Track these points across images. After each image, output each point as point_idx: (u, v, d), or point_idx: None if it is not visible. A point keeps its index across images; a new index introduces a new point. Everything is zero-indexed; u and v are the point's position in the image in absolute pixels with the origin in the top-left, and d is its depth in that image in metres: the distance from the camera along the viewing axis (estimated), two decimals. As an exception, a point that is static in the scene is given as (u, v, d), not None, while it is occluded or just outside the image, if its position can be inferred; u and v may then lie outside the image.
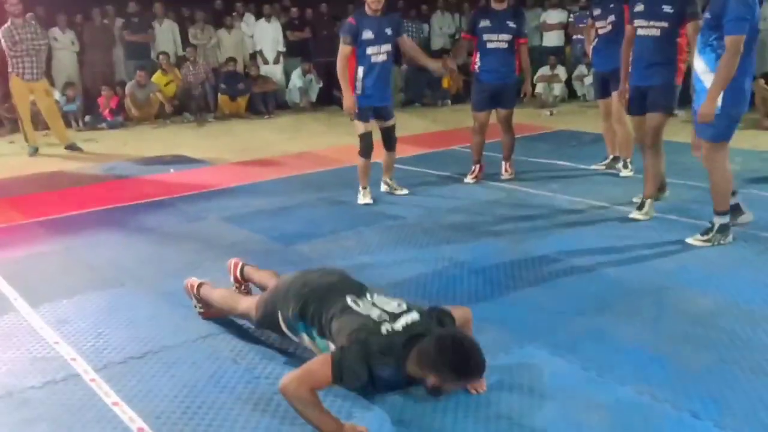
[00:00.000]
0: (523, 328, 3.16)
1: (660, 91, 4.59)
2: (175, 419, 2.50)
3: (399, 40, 5.24)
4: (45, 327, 3.30)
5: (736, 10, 3.76)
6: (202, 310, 3.32)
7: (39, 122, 8.73)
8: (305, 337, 2.77)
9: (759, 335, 3.05)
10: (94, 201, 5.73)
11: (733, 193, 4.37)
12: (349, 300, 2.65)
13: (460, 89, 11.60)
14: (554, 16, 11.80)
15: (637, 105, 4.77)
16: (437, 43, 12.88)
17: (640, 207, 4.79)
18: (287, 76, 11.71)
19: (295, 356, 2.94)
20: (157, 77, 10.59)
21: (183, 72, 10.78)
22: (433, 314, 2.64)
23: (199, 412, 2.55)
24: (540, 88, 11.23)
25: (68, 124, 9.44)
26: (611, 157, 6.34)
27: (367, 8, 5.07)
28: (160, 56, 10.72)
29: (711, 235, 4.20)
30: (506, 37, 5.76)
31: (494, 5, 5.79)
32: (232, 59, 10.97)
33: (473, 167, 6.09)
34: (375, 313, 2.57)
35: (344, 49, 5.08)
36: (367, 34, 5.04)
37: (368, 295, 2.71)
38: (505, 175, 6.13)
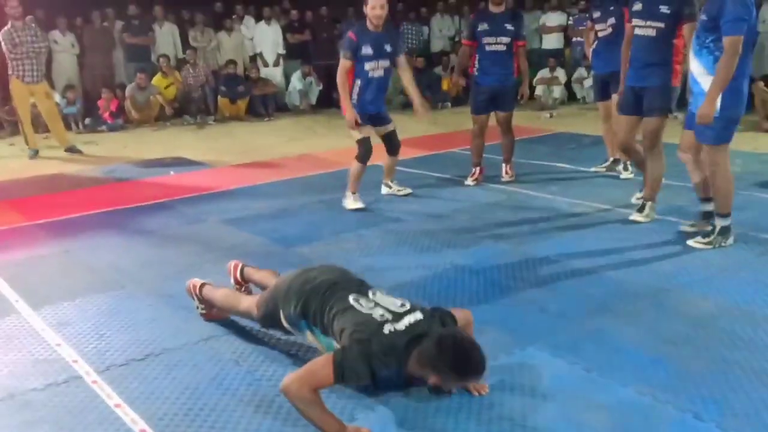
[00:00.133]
0: (524, 329, 3.17)
1: (656, 93, 4.57)
2: (177, 421, 2.50)
3: (396, 59, 5.21)
4: (46, 329, 3.30)
5: (734, 10, 3.76)
6: (204, 312, 3.32)
7: (39, 125, 8.74)
8: (308, 335, 2.78)
9: (760, 336, 3.05)
10: (95, 203, 5.73)
11: (708, 200, 4.36)
12: (351, 299, 2.65)
13: (460, 92, 11.58)
14: (553, 18, 11.84)
15: (629, 105, 4.73)
16: (437, 46, 12.92)
17: (641, 209, 4.79)
18: (287, 78, 11.72)
19: (297, 357, 2.94)
20: (157, 80, 10.60)
21: (183, 74, 10.79)
22: (436, 314, 2.64)
23: (201, 414, 2.55)
24: (539, 90, 11.26)
25: (68, 127, 9.45)
26: (611, 159, 6.35)
27: (368, 23, 5.07)
28: (161, 59, 10.74)
29: (712, 237, 4.20)
30: (505, 39, 5.78)
31: (492, 8, 5.80)
32: (232, 62, 10.98)
33: (473, 170, 6.10)
34: (378, 313, 2.57)
35: (344, 64, 5.09)
36: (367, 50, 5.05)
37: (370, 293, 2.71)
38: (505, 178, 6.14)
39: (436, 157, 7.38)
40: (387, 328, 2.49)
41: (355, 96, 5.16)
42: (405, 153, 6.64)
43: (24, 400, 2.68)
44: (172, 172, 6.98)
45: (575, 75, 11.50)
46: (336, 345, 2.58)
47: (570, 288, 3.67)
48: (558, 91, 11.44)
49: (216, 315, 3.31)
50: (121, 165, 7.51)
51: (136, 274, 4.05)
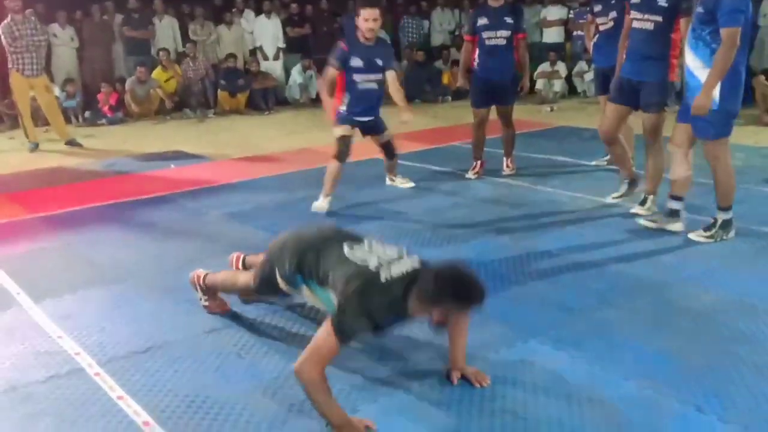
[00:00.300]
0: (526, 323, 3.17)
1: (653, 89, 4.55)
2: (180, 413, 2.51)
3: (386, 73, 5.10)
4: (48, 322, 3.30)
5: (732, 2, 3.75)
6: (207, 303, 3.32)
7: (39, 118, 8.70)
8: (305, 290, 2.76)
9: (762, 330, 3.05)
10: (95, 197, 5.72)
11: (680, 198, 4.35)
12: (345, 248, 2.62)
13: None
14: (554, 12, 11.80)
15: (621, 94, 4.72)
16: (437, 40, 12.89)
17: (642, 203, 4.79)
18: (287, 72, 11.69)
19: (299, 350, 2.93)
20: (157, 73, 10.58)
21: (183, 68, 10.76)
22: (432, 264, 2.57)
23: (203, 406, 2.55)
24: (540, 84, 11.24)
25: (68, 120, 9.42)
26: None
27: (360, 35, 5.01)
28: (160, 52, 10.71)
29: (714, 231, 4.20)
30: (504, 33, 5.77)
31: (491, 2, 5.78)
32: (232, 55, 10.95)
33: (474, 163, 6.09)
34: (373, 261, 2.52)
35: (330, 72, 5.07)
36: (356, 62, 4.99)
37: (365, 242, 2.68)
38: (506, 171, 6.13)
39: (437, 150, 7.37)
40: (383, 276, 2.44)
41: (344, 106, 5.11)
42: (406, 147, 6.66)
43: (26, 393, 2.68)
44: (172, 166, 6.97)
45: (576, 69, 11.48)
46: (333, 297, 2.55)
47: (571, 281, 3.67)
48: (558, 85, 11.42)
49: (219, 307, 3.31)
50: (122, 158, 7.49)
51: (138, 267, 4.05)
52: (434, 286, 2.36)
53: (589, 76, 10.57)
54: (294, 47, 11.74)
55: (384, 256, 2.56)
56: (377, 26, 4.98)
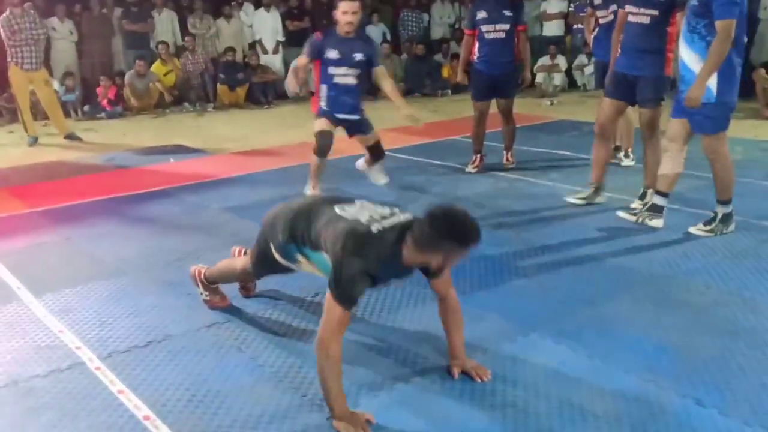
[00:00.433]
0: (527, 316, 3.17)
1: (649, 84, 4.54)
2: (180, 407, 2.51)
3: (373, 71, 4.97)
4: (49, 316, 3.30)
5: None
6: (207, 298, 3.32)
7: (38, 112, 8.70)
8: (301, 260, 2.76)
9: (762, 323, 3.06)
10: (95, 191, 5.71)
11: (665, 195, 4.35)
12: (336, 209, 2.60)
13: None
14: (554, 5, 11.76)
15: (617, 89, 4.70)
16: (437, 33, 12.87)
17: (642, 197, 4.79)
18: (287, 65, 11.64)
19: (300, 344, 2.94)
20: (157, 67, 10.55)
21: (182, 62, 10.74)
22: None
23: (204, 400, 2.55)
24: (540, 77, 11.21)
25: (67, 114, 9.40)
26: (612, 146, 6.32)
27: (338, 28, 4.88)
28: (159, 46, 10.67)
29: (714, 225, 4.20)
30: (504, 26, 5.74)
31: None
32: (231, 49, 10.92)
33: (474, 157, 6.09)
34: (364, 216, 2.50)
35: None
36: (331, 54, 4.86)
37: (357, 203, 2.66)
38: (506, 165, 6.13)
39: (437, 144, 7.36)
40: (375, 228, 2.42)
41: (323, 101, 5.00)
42: (405, 140, 6.67)
43: (27, 387, 2.68)
44: (172, 160, 6.96)
45: (576, 62, 11.46)
46: (327, 258, 2.51)
47: (572, 275, 3.67)
48: (559, 79, 11.40)
49: (219, 301, 3.31)
50: (121, 152, 7.48)
51: (138, 261, 4.05)
52: (429, 229, 2.32)
53: (589, 69, 10.56)
54: (293, 41, 11.66)
55: (376, 213, 2.54)
56: (356, 19, 4.82)
